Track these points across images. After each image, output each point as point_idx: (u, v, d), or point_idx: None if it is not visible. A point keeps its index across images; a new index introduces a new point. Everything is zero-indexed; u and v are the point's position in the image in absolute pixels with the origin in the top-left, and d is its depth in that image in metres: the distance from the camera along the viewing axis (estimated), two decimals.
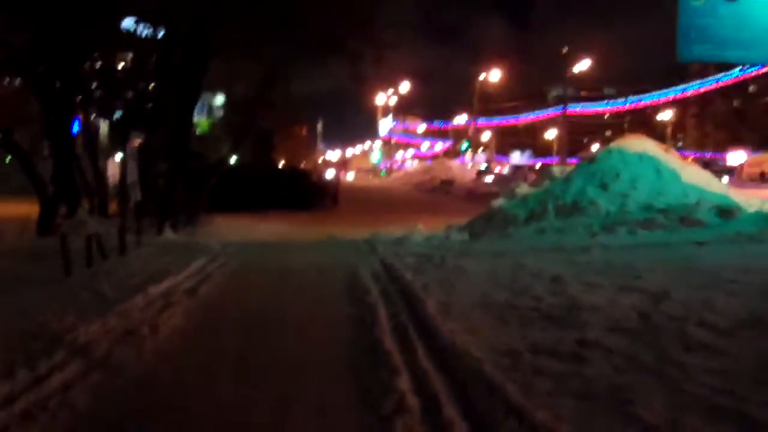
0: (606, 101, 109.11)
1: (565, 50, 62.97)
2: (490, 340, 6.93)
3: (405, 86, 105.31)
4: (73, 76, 20.45)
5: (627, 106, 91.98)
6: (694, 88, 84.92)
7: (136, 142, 17.78)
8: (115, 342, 7.46)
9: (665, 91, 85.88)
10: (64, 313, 8.17)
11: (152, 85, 22.35)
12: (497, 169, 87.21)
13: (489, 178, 69.11)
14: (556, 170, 22.25)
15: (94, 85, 21.28)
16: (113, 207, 23.02)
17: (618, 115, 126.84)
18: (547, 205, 19.37)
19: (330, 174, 66.19)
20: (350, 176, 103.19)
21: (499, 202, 20.92)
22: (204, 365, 6.86)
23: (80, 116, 21.74)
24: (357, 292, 10.52)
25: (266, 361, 6.97)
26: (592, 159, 21.06)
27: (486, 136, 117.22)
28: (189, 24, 19.80)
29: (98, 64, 21.75)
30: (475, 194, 49.25)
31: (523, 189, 21.59)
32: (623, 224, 17.35)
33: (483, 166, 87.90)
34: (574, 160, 75.06)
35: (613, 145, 21.55)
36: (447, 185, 63.57)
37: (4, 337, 7.23)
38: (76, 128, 37.21)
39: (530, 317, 7.94)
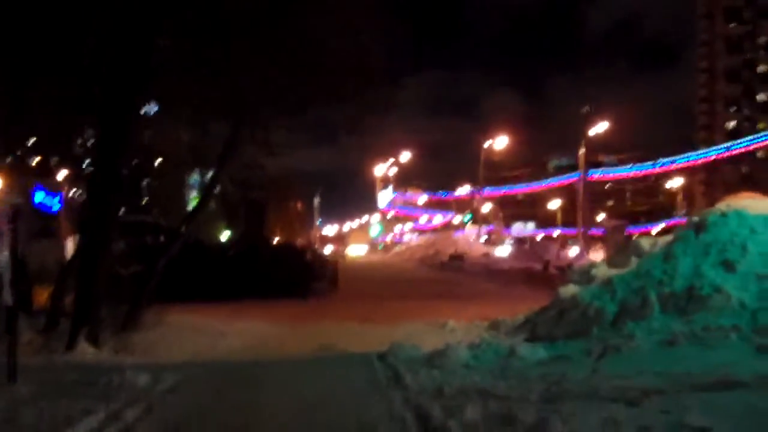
0: (613, 168, 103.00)
1: (585, 110, 57.57)
2: None
3: (406, 156, 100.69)
4: None
5: (648, 171, 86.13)
6: (712, 154, 79.20)
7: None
8: None
9: (684, 156, 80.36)
10: None
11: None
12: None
13: (504, 251, 62.75)
14: (645, 242, 15.93)
15: None
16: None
17: (618, 184, 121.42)
18: (647, 294, 13.05)
19: (327, 250, 60.27)
20: (350, 251, 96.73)
21: (570, 290, 14.57)
22: None
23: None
24: None
25: None
26: (700, 226, 14.72)
27: (486, 207, 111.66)
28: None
29: None
30: (494, 271, 43.03)
31: (602, 270, 15.31)
32: None
33: (483, 238, 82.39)
34: (597, 231, 69.08)
35: (724, 206, 15.34)
36: (457, 260, 57.23)
37: None
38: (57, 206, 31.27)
39: None
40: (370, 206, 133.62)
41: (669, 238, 15.90)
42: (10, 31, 14.05)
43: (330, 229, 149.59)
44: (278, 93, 17.90)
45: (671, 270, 13.69)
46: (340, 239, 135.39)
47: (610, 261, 16.50)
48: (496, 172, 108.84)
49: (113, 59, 14.22)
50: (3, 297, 9.67)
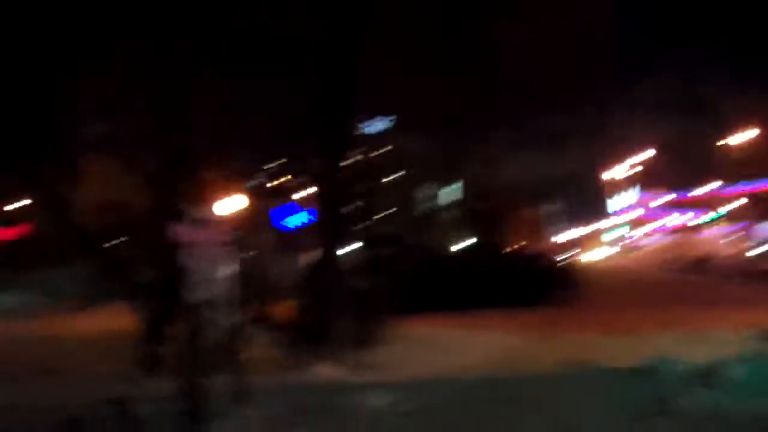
0: None
1: None
2: None
3: (644, 156, 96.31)
4: None
5: None
6: None
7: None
8: None
9: None
10: None
11: None
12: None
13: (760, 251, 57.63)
14: None
15: None
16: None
17: None
18: None
19: (565, 257, 58.42)
20: (590, 256, 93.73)
21: None
22: None
23: None
24: None
25: None
26: None
27: (734, 205, 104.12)
28: None
29: None
30: (751, 273, 39.51)
31: None
32: None
33: (730, 238, 76.41)
34: None
35: None
36: (705, 262, 53.36)
37: None
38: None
39: None
40: (604, 210, 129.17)
41: None
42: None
43: (566, 235, 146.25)
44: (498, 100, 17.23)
45: None
46: (577, 245, 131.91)
47: None
48: (745, 168, 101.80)
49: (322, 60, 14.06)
50: (220, 315, 9.33)
